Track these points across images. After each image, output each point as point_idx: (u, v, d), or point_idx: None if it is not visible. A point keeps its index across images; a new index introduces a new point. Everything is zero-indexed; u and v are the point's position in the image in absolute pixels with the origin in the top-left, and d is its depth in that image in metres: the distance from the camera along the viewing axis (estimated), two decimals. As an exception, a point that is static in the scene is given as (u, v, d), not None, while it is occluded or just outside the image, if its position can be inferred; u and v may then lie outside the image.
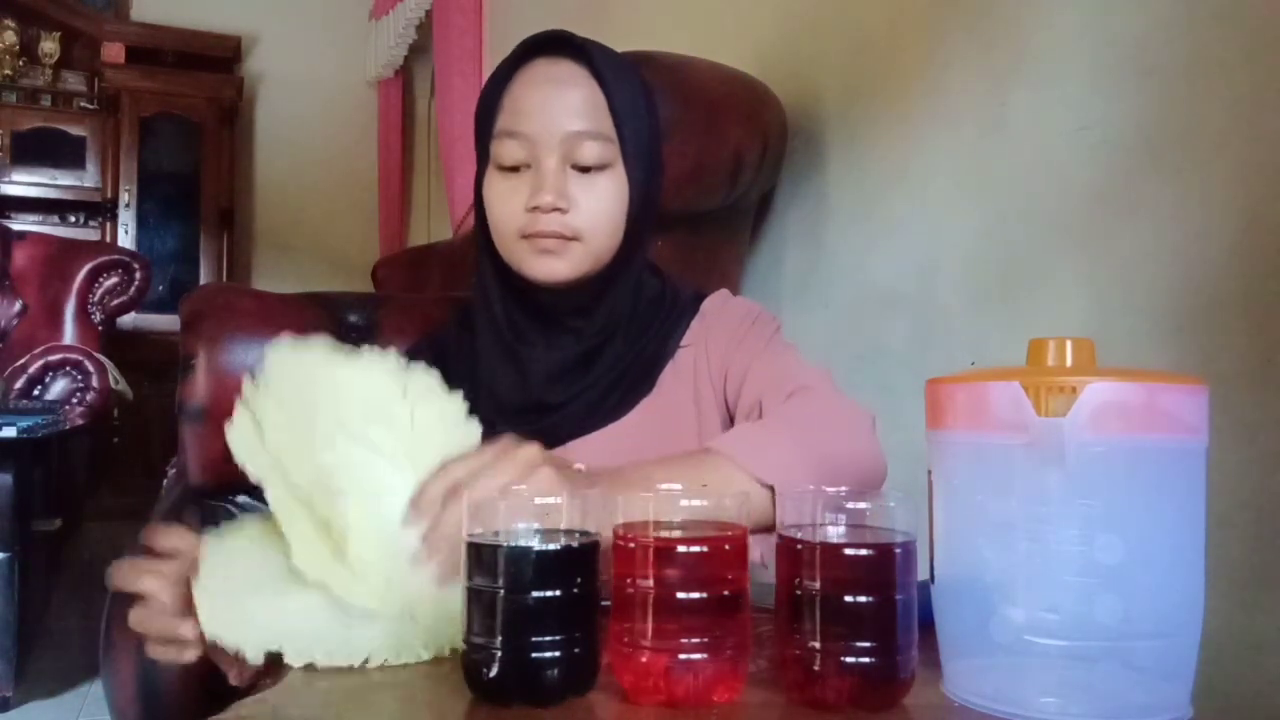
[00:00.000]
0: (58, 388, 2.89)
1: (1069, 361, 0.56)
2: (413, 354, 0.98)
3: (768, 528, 0.67)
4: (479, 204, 0.93)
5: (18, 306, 3.26)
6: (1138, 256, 1.00)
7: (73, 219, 4.56)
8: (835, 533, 0.55)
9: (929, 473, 0.60)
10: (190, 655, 0.66)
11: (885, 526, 0.55)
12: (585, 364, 0.92)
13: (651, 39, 1.84)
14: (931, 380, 0.60)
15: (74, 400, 2.90)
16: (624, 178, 0.89)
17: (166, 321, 3.95)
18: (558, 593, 0.53)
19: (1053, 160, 1.13)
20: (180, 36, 4.64)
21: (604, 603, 0.56)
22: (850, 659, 0.53)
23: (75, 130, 4.46)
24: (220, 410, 1.22)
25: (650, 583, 0.54)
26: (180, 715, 1.19)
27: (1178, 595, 0.53)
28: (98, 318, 3.29)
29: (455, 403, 0.66)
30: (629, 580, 0.54)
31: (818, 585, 0.53)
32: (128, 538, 1.34)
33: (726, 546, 0.55)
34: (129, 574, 0.67)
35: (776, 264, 1.71)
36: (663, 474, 0.73)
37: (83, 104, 4.56)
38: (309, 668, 0.60)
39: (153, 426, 3.80)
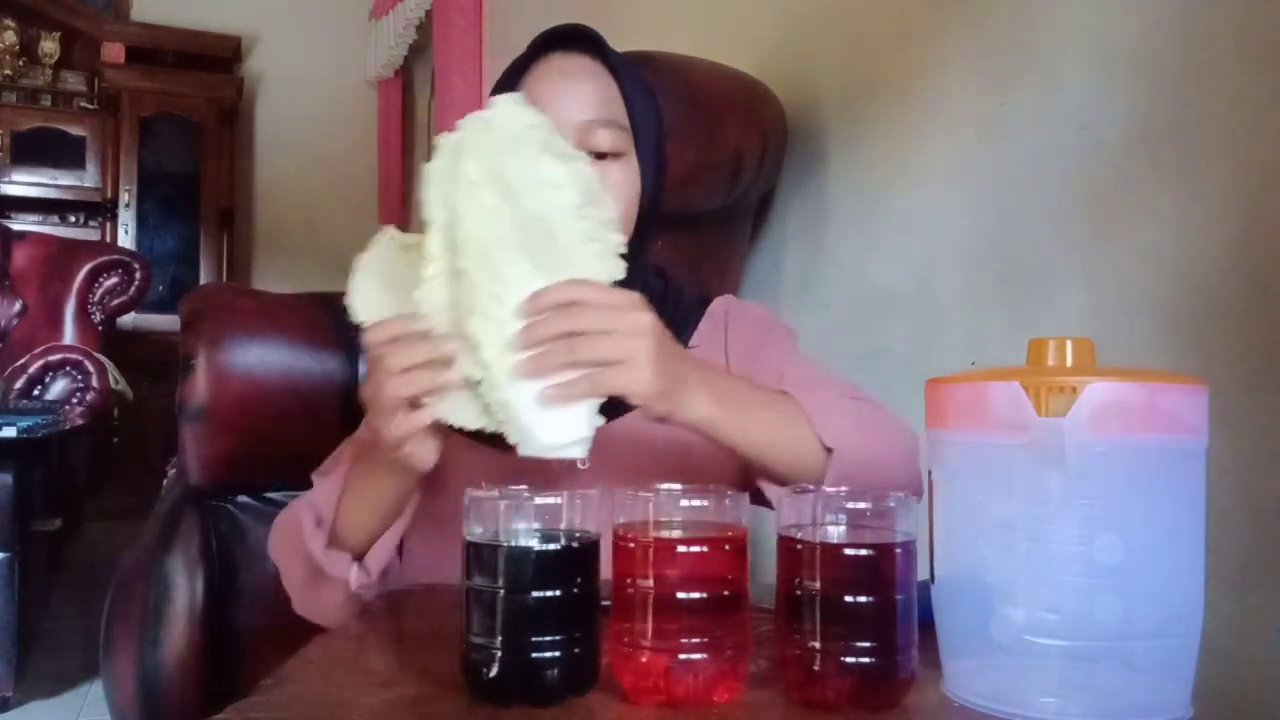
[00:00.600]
0: (58, 388, 2.90)
1: (1069, 361, 0.56)
2: None
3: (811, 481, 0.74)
4: None
5: (18, 306, 3.26)
6: (1138, 256, 1.00)
7: (73, 219, 4.56)
8: (835, 533, 0.55)
9: (929, 473, 0.60)
10: (454, 377, 0.67)
11: (885, 526, 0.55)
12: None
13: (651, 39, 1.84)
14: (931, 380, 0.60)
15: (74, 400, 2.90)
16: (636, 168, 0.90)
17: (166, 321, 3.95)
18: (558, 593, 0.54)
19: (1053, 160, 1.13)
20: (180, 36, 4.64)
21: (604, 603, 0.56)
22: (850, 659, 0.53)
23: (75, 130, 4.47)
24: (220, 410, 1.22)
25: (650, 583, 0.54)
26: (180, 715, 1.19)
27: (1178, 595, 0.53)
28: (98, 318, 3.29)
29: (615, 242, 0.69)
30: (629, 580, 0.55)
31: (818, 585, 0.53)
32: (127, 538, 1.34)
33: (726, 546, 0.55)
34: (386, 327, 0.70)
35: (776, 264, 1.71)
36: (748, 394, 0.78)
37: (83, 104, 4.56)
38: (310, 667, 0.60)
39: (153, 426, 3.79)
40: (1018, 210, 1.19)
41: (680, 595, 0.54)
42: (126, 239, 4.41)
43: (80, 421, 2.83)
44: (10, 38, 4.40)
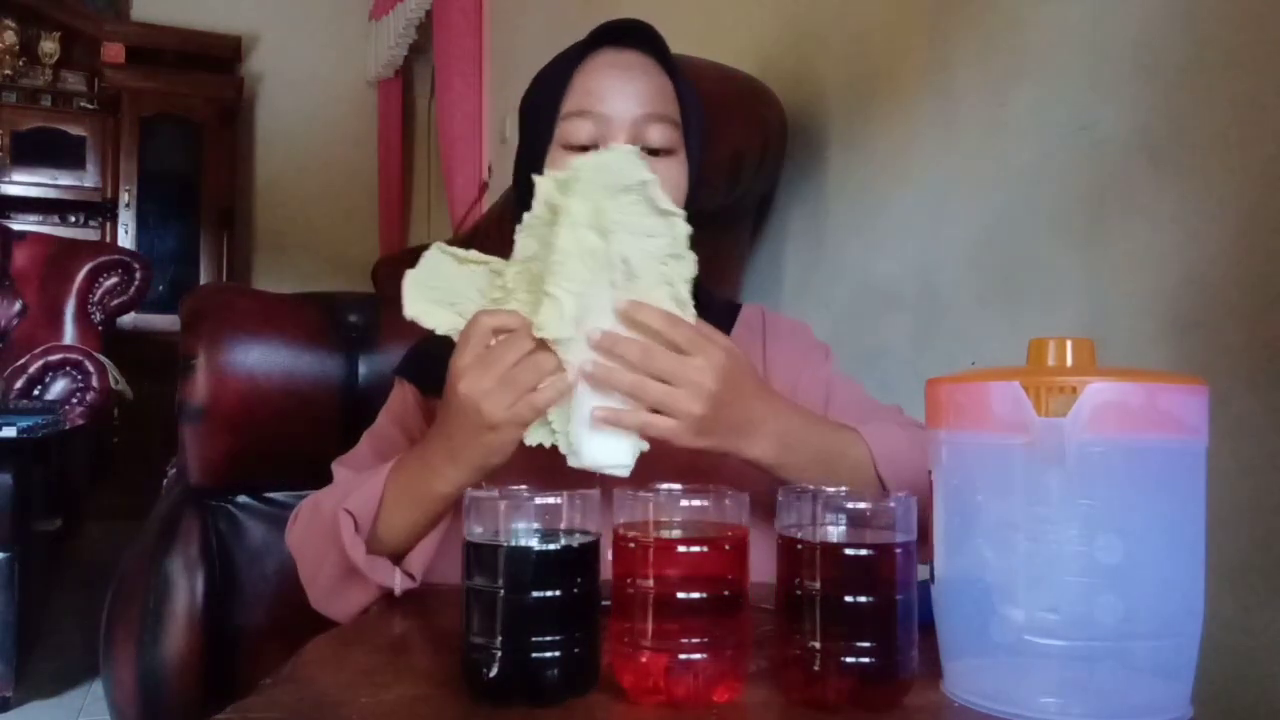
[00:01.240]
0: (58, 388, 2.89)
1: (1069, 361, 0.56)
2: (420, 352, 0.99)
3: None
4: (529, 189, 0.90)
5: (18, 306, 3.26)
6: (1138, 256, 1.00)
7: (73, 219, 4.56)
8: (835, 533, 0.55)
9: (929, 473, 0.60)
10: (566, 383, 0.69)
11: (885, 526, 0.55)
12: None
13: (651, 39, 1.84)
14: (931, 380, 0.60)
15: (74, 400, 2.90)
16: (686, 166, 0.89)
17: (166, 321, 3.95)
18: (558, 593, 0.53)
19: (1053, 160, 1.13)
20: (180, 36, 4.64)
21: (604, 603, 0.56)
22: (850, 659, 0.53)
23: (75, 130, 4.46)
24: (220, 410, 1.22)
25: (650, 583, 0.54)
26: (180, 715, 1.19)
27: (1178, 595, 0.53)
28: (98, 318, 3.29)
29: (688, 296, 0.72)
30: (629, 580, 0.55)
31: (818, 585, 0.53)
32: (127, 538, 1.34)
33: (726, 546, 0.55)
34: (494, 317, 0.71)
35: (776, 264, 1.71)
36: (816, 436, 0.78)
37: (83, 104, 4.56)
38: (310, 667, 0.60)
39: (153, 426, 3.79)
40: (1018, 210, 1.19)
41: (680, 595, 0.54)
42: (126, 239, 4.41)
43: (80, 421, 2.83)
44: (10, 38, 4.40)
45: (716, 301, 0.99)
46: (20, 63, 4.43)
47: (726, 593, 0.55)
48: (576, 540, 0.55)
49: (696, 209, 0.81)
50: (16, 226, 3.81)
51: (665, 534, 0.55)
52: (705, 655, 0.53)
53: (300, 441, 1.25)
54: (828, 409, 0.92)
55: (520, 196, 0.93)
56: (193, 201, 4.59)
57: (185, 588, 1.22)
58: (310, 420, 1.26)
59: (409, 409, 0.95)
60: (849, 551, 0.54)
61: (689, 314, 0.71)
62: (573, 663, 0.54)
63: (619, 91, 0.86)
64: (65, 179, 4.44)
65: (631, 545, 0.55)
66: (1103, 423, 0.52)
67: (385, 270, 3.28)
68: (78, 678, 2.19)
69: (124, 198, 4.44)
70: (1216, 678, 0.83)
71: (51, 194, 4.44)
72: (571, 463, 0.70)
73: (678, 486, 0.58)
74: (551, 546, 0.54)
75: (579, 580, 0.54)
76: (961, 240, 1.28)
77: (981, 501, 0.55)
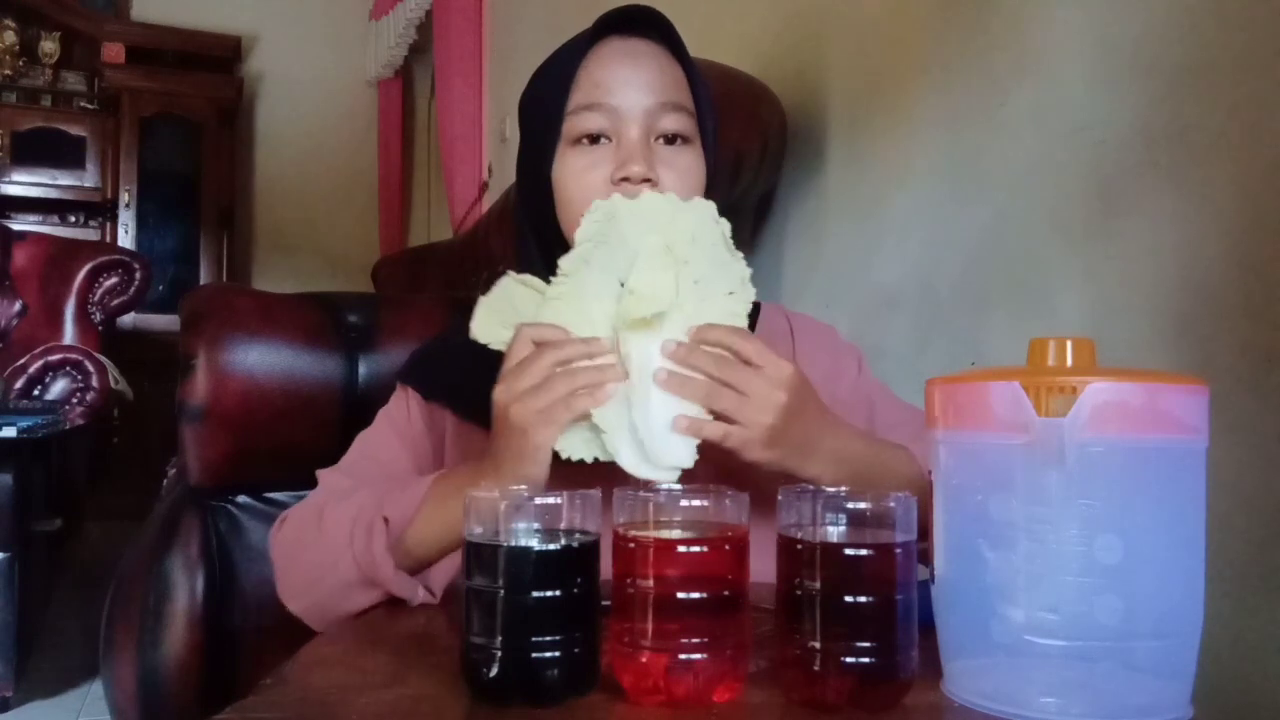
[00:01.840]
0: (58, 388, 2.89)
1: (1069, 361, 0.56)
2: (422, 357, 0.98)
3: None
4: (533, 187, 0.88)
5: (18, 306, 3.26)
6: (1138, 256, 1.00)
7: (73, 219, 4.56)
8: (835, 533, 0.55)
9: (929, 473, 0.60)
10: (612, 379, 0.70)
11: (885, 526, 0.55)
12: None
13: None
14: (931, 380, 0.60)
15: (74, 400, 2.90)
16: (701, 154, 0.87)
17: (166, 321, 3.95)
18: (558, 593, 0.53)
19: (1053, 160, 1.13)
20: (180, 36, 4.64)
21: (604, 603, 0.56)
22: (850, 659, 0.53)
23: (75, 130, 4.47)
24: (220, 410, 1.22)
25: (650, 583, 0.54)
26: (180, 715, 1.19)
27: (1178, 595, 0.53)
28: (98, 318, 3.29)
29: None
30: (629, 580, 0.54)
31: (818, 585, 0.53)
32: (127, 538, 1.34)
33: (726, 546, 0.55)
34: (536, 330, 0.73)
35: (776, 264, 1.71)
36: (870, 456, 0.79)
37: (83, 104, 4.56)
38: (310, 667, 0.60)
39: (153, 426, 3.79)
40: (1018, 210, 1.19)
41: (680, 595, 0.54)
42: (126, 239, 4.42)
43: (80, 421, 2.83)
44: (10, 38, 4.40)
45: None
46: (20, 63, 4.43)
47: (726, 593, 0.55)
48: (576, 540, 0.55)
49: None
50: (16, 226, 3.81)
51: (665, 534, 0.55)
52: (705, 655, 0.53)
53: (300, 441, 1.25)
54: (872, 423, 0.91)
55: (523, 195, 0.92)
56: (192, 201, 4.59)
57: (185, 588, 1.22)
58: (310, 420, 1.26)
59: (409, 415, 0.93)
60: (849, 551, 0.54)
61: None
62: (573, 663, 0.54)
63: (629, 82, 0.83)
64: (65, 179, 4.44)
65: (631, 545, 0.55)
66: (1103, 423, 0.52)
67: (385, 270, 3.28)
68: (78, 678, 2.19)
69: (124, 198, 4.44)
70: (1216, 678, 0.83)
71: (51, 194, 4.44)
72: (626, 465, 0.70)
73: (678, 486, 0.58)
74: (551, 546, 0.54)
75: (579, 580, 0.54)
76: (961, 240, 1.28)
77: (981, 501, 0.55)
